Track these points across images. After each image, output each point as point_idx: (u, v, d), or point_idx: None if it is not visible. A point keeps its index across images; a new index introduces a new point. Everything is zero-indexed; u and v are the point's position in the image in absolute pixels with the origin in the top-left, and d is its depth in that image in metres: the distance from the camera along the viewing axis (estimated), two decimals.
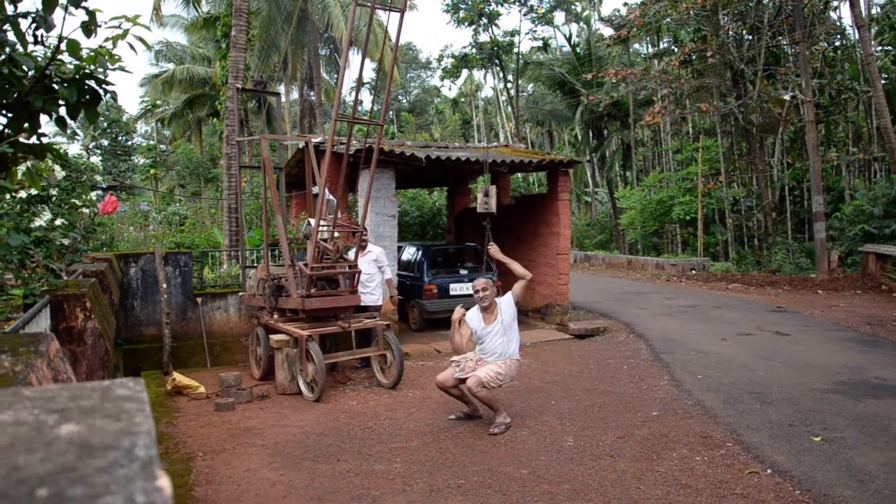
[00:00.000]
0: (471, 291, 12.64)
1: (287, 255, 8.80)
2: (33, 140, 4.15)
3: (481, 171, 15.85)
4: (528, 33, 31.75)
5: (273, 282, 8.93)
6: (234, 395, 7.92)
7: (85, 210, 9.56)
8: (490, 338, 6.59)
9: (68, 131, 4.24)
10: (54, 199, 9.64)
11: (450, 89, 58.34)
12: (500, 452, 5.86)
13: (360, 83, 8.09)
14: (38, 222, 9.21)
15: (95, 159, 55.37)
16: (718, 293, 16.05)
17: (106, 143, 56.16)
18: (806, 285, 16.54)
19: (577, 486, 5.05)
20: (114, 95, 4.06)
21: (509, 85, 35.46)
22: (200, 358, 10.14)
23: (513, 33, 31.66)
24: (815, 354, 9.18)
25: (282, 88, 36.55)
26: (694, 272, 19.73)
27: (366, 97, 67.43)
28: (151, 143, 48.44)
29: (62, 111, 3.93)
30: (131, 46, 4.02)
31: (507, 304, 6.68)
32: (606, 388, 7.97)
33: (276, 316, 8.84)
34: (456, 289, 12.69)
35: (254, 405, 7.82)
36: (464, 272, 13.00)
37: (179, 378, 8.41)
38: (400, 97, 66.67)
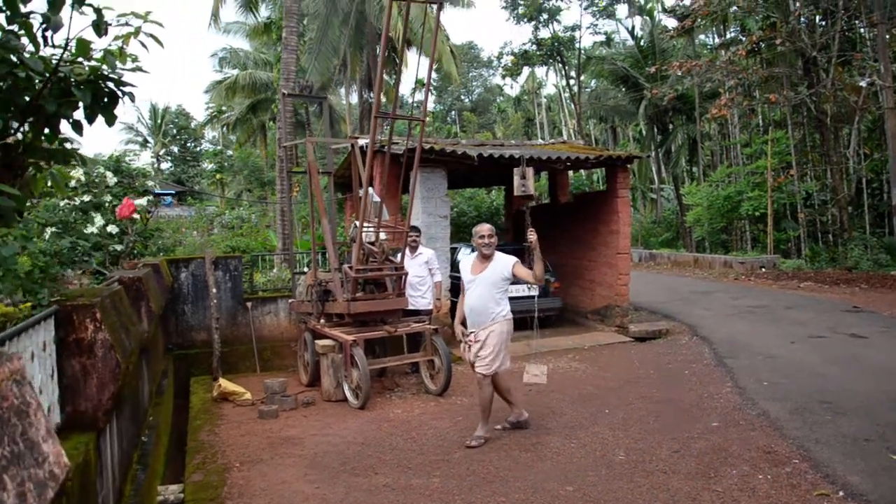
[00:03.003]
0: (526, 293, 12.43)
1: (334, 259, 8.64)
2: (53, 146, 4.04)
3: (538, 170, 15.48)
4: (588, 28, 31.20)
5: (320, 286, 8.78)
6: (278, 402, 7.80)
7: (135, 216, 9.64)
8: (472, 288, 6.28)
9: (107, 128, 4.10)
10: (107, 204, 9.76)
11: (511, 87, 57.93)
12: (545, 467, 5.52)
13: (380, 78, 7.83)
14: (90, 228, 9.31)
15: (165, 165, 57.18)
16: (789, 292, 15.21)
17: (175, 149, 57.81)
18: (885, 283, 15.52)
19: None
20: (131, 97, 3.91)
21: (571, 81, 34.80)
22: (250, 363, 10.10)
23: (573, 28, 31.04)
24: (895, 359, 8.48)
25: (342, 91, 36.78)
26: (764, 270, 18.83)
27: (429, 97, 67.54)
28: (218, 148, 49.52)
29: (80, 114, 3.80)
30: (143, 45, 3.87)
31: (501, 263, 6.26)
32: (664, 396, 7.51)
33: (322, 321, 8.69)
34: (512, 290, 12.30)
35: (298, 412, 7.67)
36: None
37: (225, 384, 8.35)
38: (462, 97, 66.52)
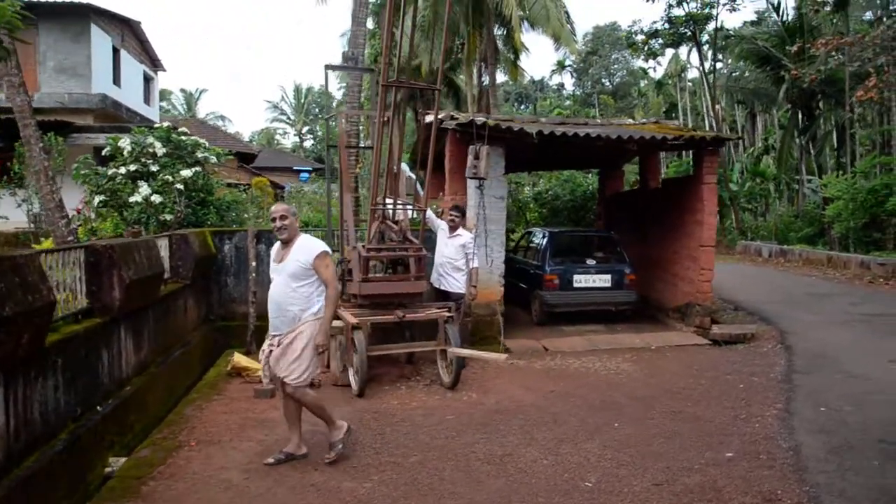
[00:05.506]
0: (599, 284, 11.46)
1: (353, 237, 8.21)
2: None
3: (634, 153, 14.30)
4: (725, 4, 28.45)
5: (344, 265, 8.40)
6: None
7: (179, 186, 9.67)
8: (274, 277, 5.22)
9: None
10: (158, 174, 9.85)
11: (654, 70, 55.05)
12: (497, 485, 4.79)
13: (386, 40, 7.21)
14: (135, 197, 9.42)
15: (308, 143, 59.45)
16: None
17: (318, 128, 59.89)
18: None
19: None
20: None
21: (718, 65, 32.33)
22: None
23: (709, 5, 28.64)
24: None
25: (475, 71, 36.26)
26: None
27: (567, 80, 65.83)
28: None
29: None
30: None
31: (302, 251, 5.11)
32: (695, 413, 6.47)
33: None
34: (581, 280, 11.42)
35: None
36: (591, 262, 11.66)
37: (238, 359, 8.16)
38: (603, 80, 64.13)
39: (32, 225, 13.55)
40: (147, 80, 24.90)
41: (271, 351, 5.20)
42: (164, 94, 57.34)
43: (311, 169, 48.25)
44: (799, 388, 7.16)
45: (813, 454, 5.22)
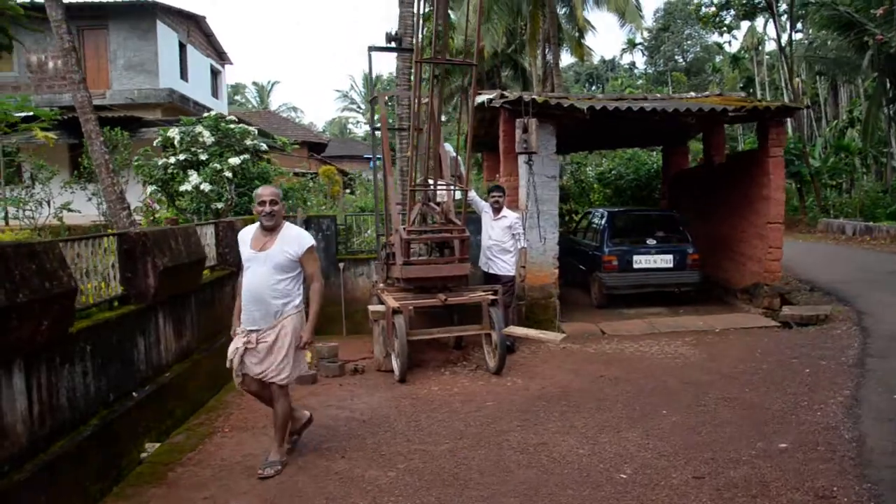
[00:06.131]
0: (661, 265, 10.98)
1: (397, 221, 8.05)
2: None
3: (697, 128, 13.63)
4: None
5: (387, 248, 8.28)
6: (323, 368, 7.43)
7: (228, 174, 9.72)
8: (252, 266, 4.76)
9: None
10: (207, 164, 9.93)
11: (729, 44, 52.92)
12: (527, 475, 4.54)
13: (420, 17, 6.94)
14: (185, 186, 9.52)
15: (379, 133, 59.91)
16: None
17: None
18: None
19: None
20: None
21: (797, 35, 30.68)
22: (340, 325, 9.86)
23: None
24: None
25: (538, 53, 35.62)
26: None
27: (639, 59, 64.07)
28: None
29: None
30: None
31: (291, 239, 4.77)
32: (752, 400, 6.04)
33: (381, 285, 8.18)
34: (640, 261, 10.97)
35: (338, 380, 7.25)
36: (652, 242, 11.17)
37: None
38: (676, 57, 62.07)
39: (103, 217, 14.00)
40: (214, 73, 25.43)
41: (247, 349, 4.75)
42: (238, 89, 58.71)
43: (380, 157, 48.60)
44: (871, 374, 6.61)
45: (879, 446, 4.74)
